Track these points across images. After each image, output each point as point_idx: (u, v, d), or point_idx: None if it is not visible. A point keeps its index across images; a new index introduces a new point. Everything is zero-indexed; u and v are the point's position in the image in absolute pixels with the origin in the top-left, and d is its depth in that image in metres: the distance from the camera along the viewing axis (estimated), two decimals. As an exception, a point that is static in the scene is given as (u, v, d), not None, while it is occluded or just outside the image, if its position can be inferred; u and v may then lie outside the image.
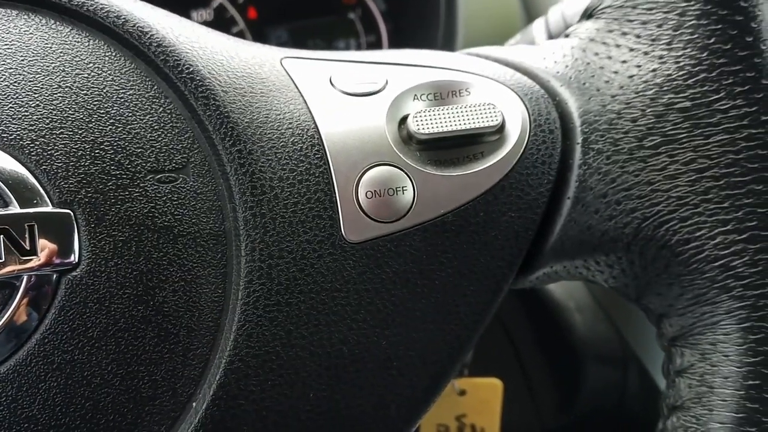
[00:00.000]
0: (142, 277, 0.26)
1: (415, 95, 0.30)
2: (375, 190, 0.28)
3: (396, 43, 0.74)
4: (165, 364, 0.26)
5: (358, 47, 0.74)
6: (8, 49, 0.27)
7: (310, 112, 0.29)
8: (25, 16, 0.28)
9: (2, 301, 0.25)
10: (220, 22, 0.72)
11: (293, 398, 0.27)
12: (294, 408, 0.27)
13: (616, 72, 0.30)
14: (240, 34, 0.72)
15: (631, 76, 0.29)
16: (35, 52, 0.27)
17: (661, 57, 0.29)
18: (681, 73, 0.29)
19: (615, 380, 0.58)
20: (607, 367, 0.58)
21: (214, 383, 0.26)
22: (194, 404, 0.26)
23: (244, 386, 0.26)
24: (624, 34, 0.30)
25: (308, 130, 0.28)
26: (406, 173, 0.28)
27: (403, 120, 0.29)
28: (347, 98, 0.29)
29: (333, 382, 0.28)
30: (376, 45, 0.74)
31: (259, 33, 0.73)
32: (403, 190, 0.28)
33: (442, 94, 0.30)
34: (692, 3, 0.29)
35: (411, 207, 0.28)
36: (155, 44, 0.28)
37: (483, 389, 0.53)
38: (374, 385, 0.28)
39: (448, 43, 0.65)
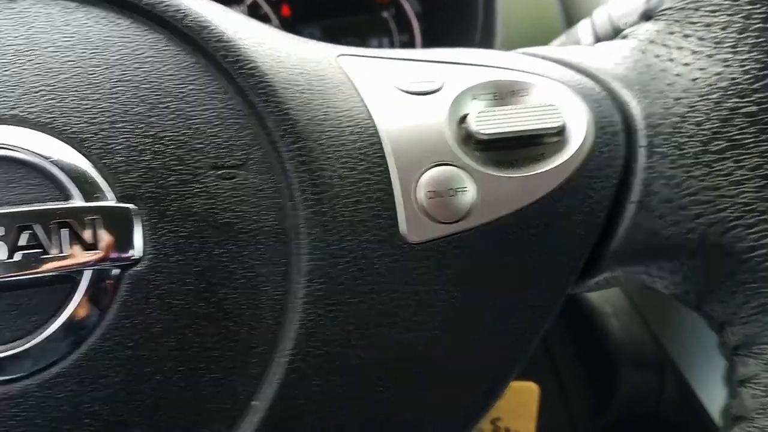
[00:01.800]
0: (203, 274, 0.26)
1: (474, 95, 0.29)
2: (435, 191, 0.28)
3: (430, 42, 0.73)
4: (226, 362, 0.26)
5: (391, 46, 0.74)
6: (68, 41, 0.27)
7: (368, 110, 0.28)
8: (85, 9, 0.28)
9: (63, 296, 0.25)
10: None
11: (353, 399, 0.27)
12: (354, 409, 0.27)
13: (678, 75, 0.29)
14: (273, 32, 0.71)
15: (694, 79, 0.29)
16: (95, 45, 0.27)
17: (725, 60, 0.29)
18: (746, 77, 0.28)
19: (651, 386, 0.57)
20: (644, 373, 0.57)
21: (275, 383, 0.26)
22: (254, 404, 0.26)
23: (305, 386, 0.26)
24: (686, 36, 0.30)
25: (367, 128, 0.28)
26: (467, 173, 0.28)
27: (462, 120, 0.29)
28: (406, 97, 0.29)
29: (392, 383, 0.27)
30: (409, 44, 0.74)
31: (292, 31, 0.72)
32: (463, 191, 0.28)
33: (502, 94, 0.29)
34: (758, 6, 0.28)
35: (472, 208, 0.28)
36: (215, 39, 0.27)
37: (519, 393, 0.52)
38: (433, 387, 0.28)
39: (485, 43, 0.65)
